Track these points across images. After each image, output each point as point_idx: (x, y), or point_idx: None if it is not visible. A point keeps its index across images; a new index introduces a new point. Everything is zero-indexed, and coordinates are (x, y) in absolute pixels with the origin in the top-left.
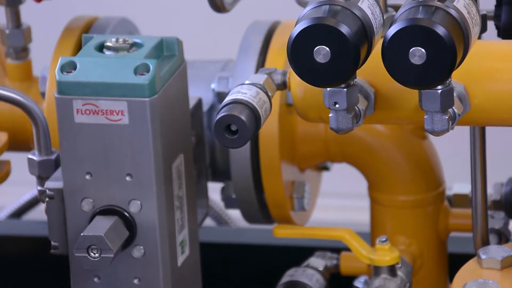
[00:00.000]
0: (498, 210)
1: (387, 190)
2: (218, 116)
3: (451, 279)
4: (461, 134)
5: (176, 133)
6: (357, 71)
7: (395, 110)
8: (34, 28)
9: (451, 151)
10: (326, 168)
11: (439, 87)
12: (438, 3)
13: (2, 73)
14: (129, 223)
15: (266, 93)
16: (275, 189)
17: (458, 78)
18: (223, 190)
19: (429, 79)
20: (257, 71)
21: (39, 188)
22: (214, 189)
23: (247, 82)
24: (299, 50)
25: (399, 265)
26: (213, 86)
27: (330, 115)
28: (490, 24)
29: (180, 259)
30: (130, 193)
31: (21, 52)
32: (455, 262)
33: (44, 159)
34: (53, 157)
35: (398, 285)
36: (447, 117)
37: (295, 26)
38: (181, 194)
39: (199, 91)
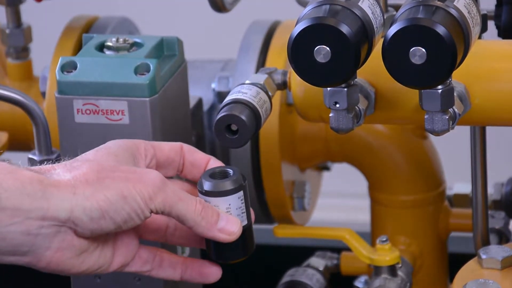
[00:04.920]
0: (499, 210)
1: (388, 190)
2: (219, 116)
3: (451, 279)
4: (461, 134)
5: (177, 133)
6: (358, 71)
7: (396, 110)
8: (34, 28)
9: (451, 151)
10: (326, 168)
11: (440, 87)
12: (439, 2)
13: (3, 72)
14: None
15: (267, 92)
16: (275, 189)
17: (458, 78)
18: None
19: (429, 79)
20: (257, 70)
21: None
22: None
23: (247, 81)
24: (300, 50)
25: (400, 265)
26: (213, 85)
27: (330, 115)
28: (491, 24)
29: None
30: None
31: (22, 52)
32: (455, 262)
33: (45, 158)
34: (53, 156)
35: (399, 285)
36: (447, 117)
37: (295, 26)
38: None
39: (200, 91)
